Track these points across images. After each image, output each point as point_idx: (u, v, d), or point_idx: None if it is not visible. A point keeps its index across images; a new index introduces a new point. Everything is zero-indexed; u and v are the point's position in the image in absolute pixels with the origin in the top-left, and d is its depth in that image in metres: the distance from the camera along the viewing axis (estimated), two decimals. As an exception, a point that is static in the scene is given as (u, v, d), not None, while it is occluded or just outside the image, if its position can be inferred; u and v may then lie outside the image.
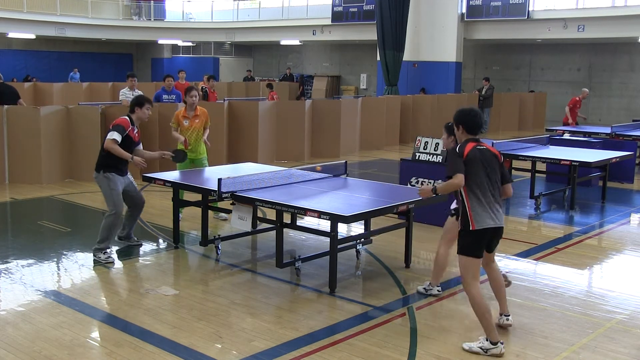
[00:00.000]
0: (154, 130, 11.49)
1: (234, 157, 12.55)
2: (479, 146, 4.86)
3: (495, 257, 7.38)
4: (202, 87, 16.95)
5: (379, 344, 4.86)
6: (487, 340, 4.75)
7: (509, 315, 5.23)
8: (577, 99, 15.62)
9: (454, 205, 5.66)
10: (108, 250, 6.90)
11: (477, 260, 4.84)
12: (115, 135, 6.71)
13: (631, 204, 10.80)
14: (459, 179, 4.72)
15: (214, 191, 6.38)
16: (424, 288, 5.97)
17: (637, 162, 12.73)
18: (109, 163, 6.79)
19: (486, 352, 4.72)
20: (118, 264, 6.89)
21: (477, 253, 4.83)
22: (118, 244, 7.35)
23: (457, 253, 4.90)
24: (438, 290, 5.94)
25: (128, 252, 7.20)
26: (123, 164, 6.91)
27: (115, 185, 6.83)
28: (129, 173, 7.11)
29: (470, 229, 4.75)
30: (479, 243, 4.81)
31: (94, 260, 6.84)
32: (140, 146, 7.19)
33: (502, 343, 4.76)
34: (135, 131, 7.01)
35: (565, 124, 15.62)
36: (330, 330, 5.12)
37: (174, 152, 7.46)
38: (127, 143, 6.85)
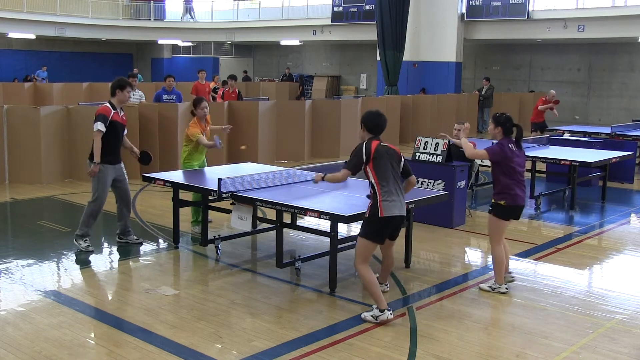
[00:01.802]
0: (153, 130, 11.48)
1: (234, 157, 12.54)
2: (382, 143, 5.32)
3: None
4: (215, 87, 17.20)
5: (379, 344, 4.86)
6: (376, 308, 5.24)
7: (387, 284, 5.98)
8: (544, 99, 15.73)
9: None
10: (88, 238, 7.10)
11: (375, 245, 5.34)
12: (99, 126, 6.82)
13: (631, 204, 10.80)
14: (343, 174, 5.37)
15: (214, 191, 6.38)
16: (490, 287, 6.09)
17: (637, 162, 12.73)
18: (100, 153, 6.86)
19: (376, 319, 5.20)
20: (118, 263, 6.90)
21: (379, 239, 5.31)
22: (119, 243, 7.39)
23: (360, 236, 5.31)
24: (506, 288, 6.06)
25: (127, 252, 7.20)
26: (113, 154, 7.01)
27: (104, 176, 6.95)
28: (122, 163, 7.20)
29: (379, 215, 5.17)
30: (383, 230, 5.28)
31: (75, 246, 7.07)
32: (125, 131, 7.27)
33: (389, 310, 5.25)
34: (121, 114, 7.10)
35: (536, 121, 15.60)
36: (330, 330, 5.12)
37: (141, 154, 7.50)
38: (116, 128, 6.96)
